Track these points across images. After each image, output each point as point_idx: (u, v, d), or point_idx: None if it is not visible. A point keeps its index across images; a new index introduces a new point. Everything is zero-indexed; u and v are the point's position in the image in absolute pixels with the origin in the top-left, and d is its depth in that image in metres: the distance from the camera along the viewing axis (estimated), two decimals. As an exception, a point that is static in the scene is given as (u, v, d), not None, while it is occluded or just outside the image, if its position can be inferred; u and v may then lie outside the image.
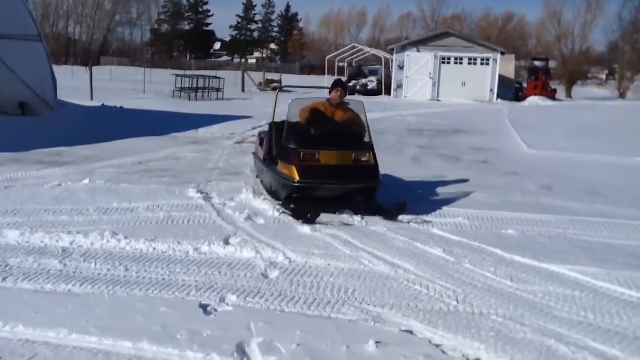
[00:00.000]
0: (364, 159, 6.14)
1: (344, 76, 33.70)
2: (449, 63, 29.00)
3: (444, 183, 7.96)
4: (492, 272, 4.51)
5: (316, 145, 6.10)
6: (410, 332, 3.46)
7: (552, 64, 40.17)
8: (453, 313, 3.75)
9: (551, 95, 30.27)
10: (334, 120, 6.45)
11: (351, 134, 6.34)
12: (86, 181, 7.22)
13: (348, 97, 6.79)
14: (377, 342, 3.22)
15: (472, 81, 28.39)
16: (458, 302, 3.91)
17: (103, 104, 17.40)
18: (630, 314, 3.81)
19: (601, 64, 52.82)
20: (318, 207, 5.95)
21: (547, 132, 14.71)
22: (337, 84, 6.70)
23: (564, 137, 13.69)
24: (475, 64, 28.77)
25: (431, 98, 28.55)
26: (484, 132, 15.10)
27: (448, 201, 6.81)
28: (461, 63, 28.89)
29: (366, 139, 6.36)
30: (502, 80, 29.29)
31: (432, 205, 6.58)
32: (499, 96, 28.28)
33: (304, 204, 6.03)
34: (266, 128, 7.47)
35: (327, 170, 5.99)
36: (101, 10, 69.24)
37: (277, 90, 7.58)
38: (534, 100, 28.49)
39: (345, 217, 5.96)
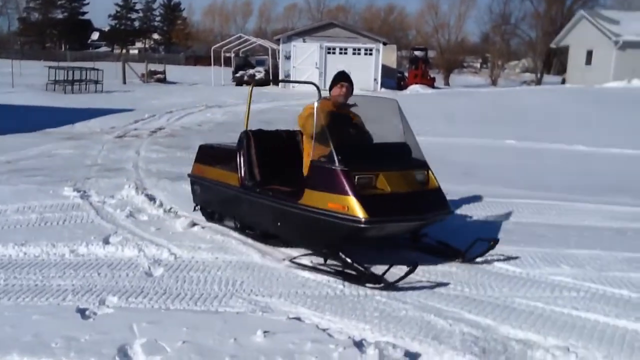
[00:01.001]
0: (424, 180, 4.49)
1: (230, 67, 33.19)
2: (334, 53, 29.50)
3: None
4: (376, 254, 4.65)
5: (367, 164, 4.23)
6: (298, 318, 3.49)
7: (431, 54, 42.37)
8: (339, 297, 3.83)
9: (430, 83, 31.81)
10: (362, 128, 4.77)
11: (397, 147, 4.60)
12: (-56, 184, 6.56)
13: (377, 94, 5.23)
14: (264, 332, 3.21)
15: (357, 71, 28.90)
16: (344, 286, 4.00)
17: (-36, 99, 15.93)
18: (500, 285, 4.11)
19: (475, 54, 56.43)
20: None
21: (427, 118, 15.43)
22: (341, 77, 4.86)
23: (443, 123, 14.47)
24: (359, 54, 29.51)
25: (318, 88, 28.89)
26: (369, 120, 15.53)
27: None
28: (346, 53, 29.50)
29: (415, 154, 4.60)
30: (385, 69, 30.31)
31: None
32: (382, 85, 29.21)
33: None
34: (197, 137, 6.77)
35: (398, 200, 4.18)
36: (-41, -4, 63.03)
37: (251, 86, 5.50)
38: (414, 88, 29.76)
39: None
